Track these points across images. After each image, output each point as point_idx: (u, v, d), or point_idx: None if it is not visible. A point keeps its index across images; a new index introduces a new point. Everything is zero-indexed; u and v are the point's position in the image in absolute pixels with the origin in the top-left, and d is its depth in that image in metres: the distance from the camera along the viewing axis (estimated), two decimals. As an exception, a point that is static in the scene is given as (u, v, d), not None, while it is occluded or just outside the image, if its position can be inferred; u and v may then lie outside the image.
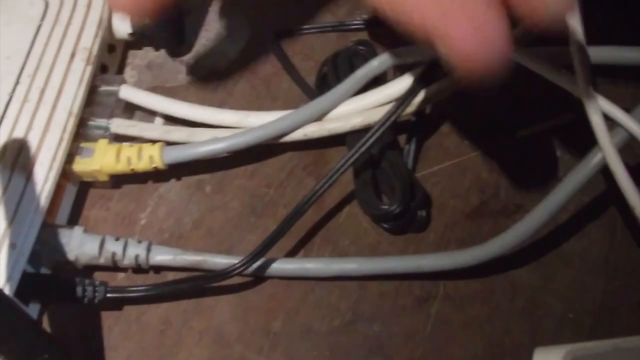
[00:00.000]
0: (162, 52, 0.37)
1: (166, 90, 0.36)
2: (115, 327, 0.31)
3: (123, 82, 0.35)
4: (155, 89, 0.36)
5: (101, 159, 0.32)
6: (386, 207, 0.31)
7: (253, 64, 0.37)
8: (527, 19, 0.18)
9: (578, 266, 0.32)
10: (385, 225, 0.32)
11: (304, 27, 0.38)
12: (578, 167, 0.28)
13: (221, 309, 0.31)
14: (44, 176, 0.31)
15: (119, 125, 0.33)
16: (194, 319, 0.31)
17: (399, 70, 0.34)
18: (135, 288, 0.31)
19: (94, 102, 0.34)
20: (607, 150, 0.27)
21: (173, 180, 0.34)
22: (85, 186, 0.34)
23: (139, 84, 0.37)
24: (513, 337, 0.31)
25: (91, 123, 0.34)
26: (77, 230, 0.31)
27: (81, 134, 0.33)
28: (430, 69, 0.31)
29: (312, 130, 0.32)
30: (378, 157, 0.32)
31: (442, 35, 0.18)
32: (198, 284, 0.30)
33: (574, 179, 0.28)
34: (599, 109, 0.27)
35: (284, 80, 0.37)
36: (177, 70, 0.37)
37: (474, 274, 0.31)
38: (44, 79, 0.33)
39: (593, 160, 0.28)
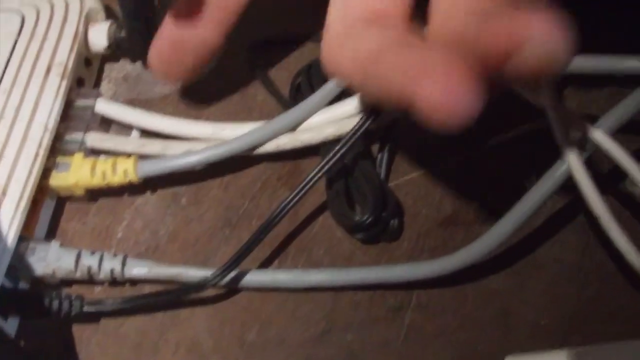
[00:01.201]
0: (139, 64, 0.38)
1: (143, 103, 0.37)
2: (92, 339, 0.32)
3: (99, 96, 0.36)
4: (132, 101, 0.38)
5: (77, 174, 0.33)
6: (358, 217, 0.32)
7: (228, 75, 0.38)
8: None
9: (551, 273, 0.33)
10: (359, 235, 0.33)
11: (279, 37, 0.39)
12: (543, 178, 0.29)
13: (197, 320, 0.32)
14: (20, 191, 0.32)
15: (94, 139, 0.35)
16: (170, 331, 0.32)
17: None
18: (111, 301, 0.32)
19: (70, 116, 0.35)
20: (572, 163, 0.28)
21: (149, 193, 0.35)
22: (62, 200, 0.35)
23: (115, 97, 0.38)
24: (485, 344, 0.32)
25: (67, 137, 0.35)
26: (54, 244, 0.32)
27: (57, 148, 0.34)
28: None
29: (285, 142, 0.33)
30: (350, 166, 0.33)
31: (410, 98, 0.19)
32: (172, 297, 0.32)
33: (540, 190, 0.29)
34: (565, 122, 0.27)
35: (259, 91, 0.38)
36: (154, 82, 0.38)
37: (447, 283, 0.32)
38: (20, 95, 0.34)
39: (558, 171, 0.29)
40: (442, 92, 0.18)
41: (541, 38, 0.18)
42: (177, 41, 0.32)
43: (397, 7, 0.24)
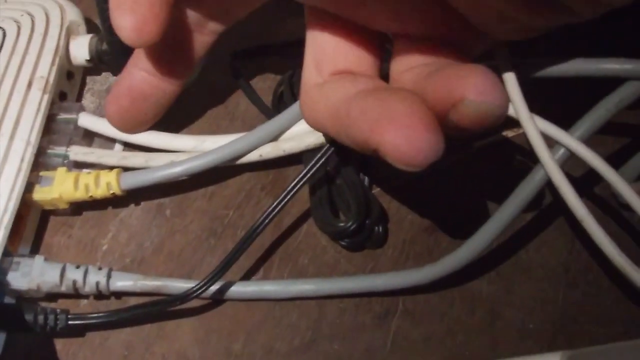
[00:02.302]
0: (121, 76, 0.39)
1: (126, 115, 0.38)
2: (79, 353, 0.33)
3: (81, 109, 0.36)
4: (115, 114, 0.38)
5: (60, 187, 0.34)
6: (342, 224, 0.33)
7: (211, 85, 0.39)
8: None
9: (538, 276, 0.34)
10: (343, 242, 0.34)
11: (261, 47, 0.39)
12: (522, 184, 0.30)
13: (183, 332, 0.33)
14: (4, 206, 0.32)
15: (77, 152, 0.35)
16: (157, 343, 0.33)
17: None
18: (96, 315, 0.32)
19: (53, 130, 0.36)
20: (550, 168, 0.28)
21: (133, 206, 0.36)
22: (46, 214, 0.36)
23: (99, 110, 0.39)
24: (474, 349, 0.32)
25: (50, 151, 0.35)
26: (38, 259, 0.33)
27: (40, 162, 0.35)
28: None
29: (268, 151, 0.34)
30: (333, 174, 0.34)
31: (376, 144, 0.21)
32: (157, 309, 0.32)
33: (519, 195, 0.30)
34: (537, 130, 0.28)
35: (241, 100, 0.39)
36: (137, 94, 0.39)
37: (433, 288, 0.33)
38: (2, 110, 0.34)
39: (537, 176, 0.29)
40: (405, 139, 0.20)
41: (475, 97, 0.20)
42: (137, 94, 0.33)
43: (365, 66, 0.26)
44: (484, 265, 0.34)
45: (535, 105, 0.28)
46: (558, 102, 0.32)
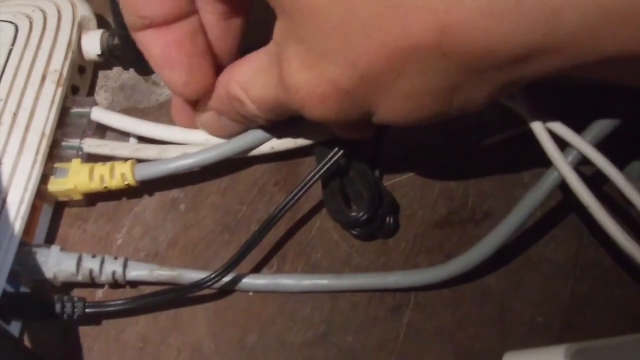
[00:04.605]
0: (135, 74, 0.41)
1: (139, 111, 0.41)
2: (95, 345, 0.35)
3: (94, 104, 0.38)
4: (128, 110, 0.41)
5: (75, 178, 0.36)
6: (354, 213, 0.35)
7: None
8: None
9: (546, 270, 0.36)
10: (355, 232, 0.36)
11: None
12: (536, 186, 0.32)
13: (198, 324, 0.35)
14: (20, 197, 0.34)
15: (91, 144, 0.37)
16: (172, 336, 0.35)
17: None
18: (113, 302, 0.34)
19: (66, 123, 0.38)
20: (563, 170, 0.30)
21: (148, 199, 0.38)
22: (60, 206, 0.38)
23: (112, 106, 0.41)
24: (483, 343, 0.34)
25: (64, 144, 0.37)
26: (54, 248, 0.35)
27: (55, 154, 0.37)
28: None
29: (279, 143, 0.36)
30: (346, 167, 0.36)
31: None
32: (174, 296, 0.34)
33: (531, 198, 0.32)
34: (547, 134, 0.30)
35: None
36: (150, 91, 0.42)
37: (445, 283, 0.35)
38: (16, 103, 0.36)
39: (550, 178, 0.32)
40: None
41: None
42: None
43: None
44: (493, 260, 0.35)
45: (545, 107, 0.31)
46: (565, 106, 0.34)
